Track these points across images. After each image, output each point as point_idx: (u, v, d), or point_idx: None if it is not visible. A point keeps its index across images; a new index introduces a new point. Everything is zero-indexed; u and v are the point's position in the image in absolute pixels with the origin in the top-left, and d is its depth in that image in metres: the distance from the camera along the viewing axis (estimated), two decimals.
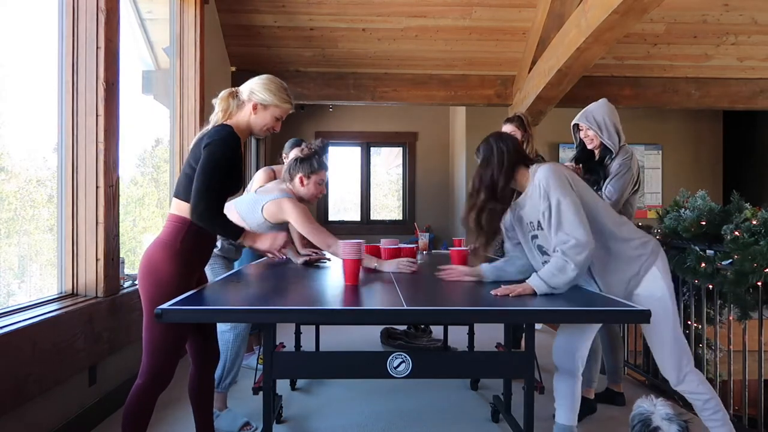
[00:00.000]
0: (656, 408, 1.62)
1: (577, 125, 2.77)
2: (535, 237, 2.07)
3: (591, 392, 2.81)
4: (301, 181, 2.61)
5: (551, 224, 1.90)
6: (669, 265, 2.07)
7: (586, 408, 2.79)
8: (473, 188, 2.07)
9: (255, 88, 1.95)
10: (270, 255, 2.13)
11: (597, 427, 2.67)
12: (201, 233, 1.90)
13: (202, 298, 1.76)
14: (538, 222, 1.99)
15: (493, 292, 1.86)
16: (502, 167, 2.01)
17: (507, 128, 3.34)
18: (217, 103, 1.97)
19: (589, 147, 2.75)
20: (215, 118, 1.97)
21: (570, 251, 1.83)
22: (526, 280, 1.90)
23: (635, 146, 6.95)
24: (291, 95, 2.01)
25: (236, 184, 1.94)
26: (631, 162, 2.63)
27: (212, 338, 2.08)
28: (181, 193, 1.89)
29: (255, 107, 1.95)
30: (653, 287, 1.95)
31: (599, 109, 2.69)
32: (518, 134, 3.33)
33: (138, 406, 1.81)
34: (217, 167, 1.81)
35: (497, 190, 2.01)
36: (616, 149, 2.65)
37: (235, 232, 1.94)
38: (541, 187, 1.93)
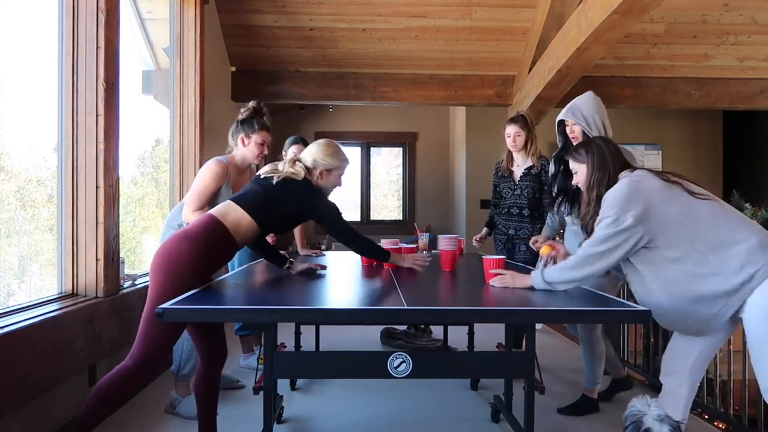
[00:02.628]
0: (649, 409, 1.60)
1: (563, 121, 2.62)
2: None
3: (594, 392, 2.81)
4: (243, 142, 2.75)
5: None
6: None
7: (590, 407, 2.79)
8: (588, 190, 2.03)
9: (317, 157, 2.15)
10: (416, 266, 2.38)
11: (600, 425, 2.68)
12: (227, 242, 1.95)
13: (203, 297, 1.76)
14: None
15: (490, 282, 1.89)
16: (609, 177, 1.97)
17: (512, 128, 3.32)
18: (287, 168, 2.11)
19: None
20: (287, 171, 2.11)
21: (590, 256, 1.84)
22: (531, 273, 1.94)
23: (635, 146, 6.95)
24: (344, 152, 2.23)
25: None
26: None
27: (221, 339, 2.11)
28: (241, 200, 2.00)
29: (321, 173, 2.16)
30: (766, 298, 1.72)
31: (586, 103, 2.52)
32: (523, 134, 3.31)
33: (115, 387, 1.79)
34: (334, 214, 2.13)
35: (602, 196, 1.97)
36: None
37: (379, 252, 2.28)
38: (608, 198, 1.89)
